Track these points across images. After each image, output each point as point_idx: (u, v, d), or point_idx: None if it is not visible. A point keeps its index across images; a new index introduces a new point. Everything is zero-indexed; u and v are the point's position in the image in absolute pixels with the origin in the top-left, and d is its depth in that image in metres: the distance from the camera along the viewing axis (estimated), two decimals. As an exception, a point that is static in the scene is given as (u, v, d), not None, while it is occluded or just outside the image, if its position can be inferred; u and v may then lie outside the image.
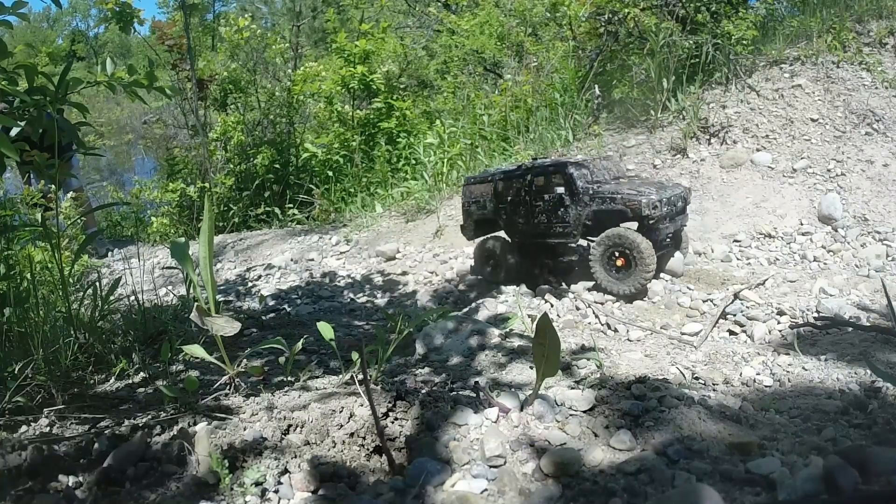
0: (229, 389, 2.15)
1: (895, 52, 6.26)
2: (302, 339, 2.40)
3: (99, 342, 2.49)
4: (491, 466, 1.61)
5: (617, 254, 3.78)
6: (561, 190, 3.79)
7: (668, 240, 4.00)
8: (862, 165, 5.48)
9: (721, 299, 3.95)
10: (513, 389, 2.08)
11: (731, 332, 3.59)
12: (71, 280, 3.10)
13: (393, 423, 1.79)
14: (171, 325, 2.91)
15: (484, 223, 4.43)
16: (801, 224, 5.20)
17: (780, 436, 1.79)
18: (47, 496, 1.55)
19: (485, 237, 4.43)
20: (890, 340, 2.93)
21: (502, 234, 4.52)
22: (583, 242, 4.31)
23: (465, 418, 1.80)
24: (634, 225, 3.89)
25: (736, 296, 3.91)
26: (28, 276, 2.74)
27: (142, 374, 2.43)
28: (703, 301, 4.02)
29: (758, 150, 5.85)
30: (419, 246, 5.86)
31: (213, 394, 2.13)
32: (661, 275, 4.44)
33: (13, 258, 2.89)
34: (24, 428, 1.89)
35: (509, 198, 4.03)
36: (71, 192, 5.47)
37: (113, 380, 2.41)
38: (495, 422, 1.80)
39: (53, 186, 2.61)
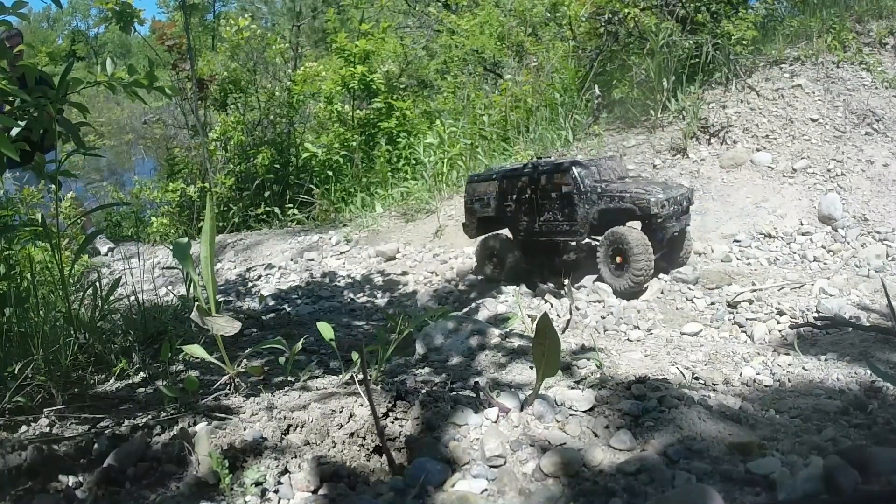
0: (229, 389, 2.16)
1: (895, 52, 6.26)
2: (302, 339, 2.40)
3: (99, 342, 2.49)
4: (491, 466, 1.61)
5: (616, 251, 3.84)
6: (569, 188, 3.80)
7: (675, 235, 4.06)
8: (862, 165, 5.48)
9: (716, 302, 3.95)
10: (513, 389, 2.08)
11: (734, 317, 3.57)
12: (71, 280, 3.10)
13: (393, 423, 1.79)
14: (171, 325, 2.91)
15: (487, 221, 4.42)
16: (801, 224, 5.20)
17: (780, 436, 1.79)
18: (47, 496, 1.55)
19: (486, 235, 4.43)
20: (890, 340, 2.93)
21: (504, 232, 4.52)
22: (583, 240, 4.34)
23: (465, 418, 1.80)
24: (637, 224, 3.93)
25: (732, 305, 3.90)
26: (28, 276, 2.74)
27: (142, 374, 2.44)
28: (708, 304, 4.03)
29: (758, 150, 5.85)
30: (419, 246, 5.86)
31: (213, 394, 2.13)
32: (662, 275, 4.45)
33: (13, 258, 2.89)
34: (24, 428, 1.89)
35: (515, 196, 4.03)
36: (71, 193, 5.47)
37: (113, 380, 2.41)
38: (495, 422, 1.80)
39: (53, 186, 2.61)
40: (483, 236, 4.54)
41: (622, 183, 3.99)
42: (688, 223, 4.31)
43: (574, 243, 4.16)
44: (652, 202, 3.74)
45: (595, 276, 4.15)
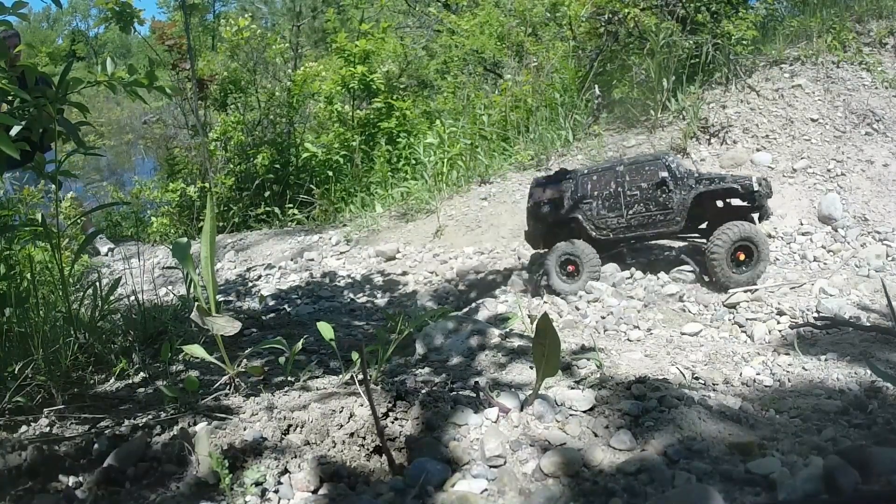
0: (229, 389, 2.16)
1: (895, 52, 6.26)
2: (302, 339, 2.40)
3: (99, 342, 2.49)
4: (491, 466, 1.61)
5: (738, 248, 3.70)
6: (665, 175, 3.64)
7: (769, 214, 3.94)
8: (862, 165, 5.47)
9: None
10: (513, 389, 2.08)
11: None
12: (71, 280, 3.09)
13: (393, 423, 1.79)
14: (171, 325, 2.91)
15: (557, 227, 4.10)
16: (801, 224, 5.19)
17: (780, 436, 1.79)
18: (47, 496, 1.55)
19: (561, 243, 4.08)
20: (890, 340, 2.93)
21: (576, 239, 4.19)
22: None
23: (465, 418, 1.80)
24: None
25: (729, 305, 3.90)
26: (28, 276, 2.74)
27: (142, 374, 2.44)
28: (707, 303, 4.03)
29: (758, 150, 5.85)
30: (419, 246, 5.86)
31: (213, 394, 2.13)
32: (662, 275, 4.46)
33: (13, 258, 2.89)
34: (24, 428, 1.89)
35: (598, 192, 3.79)
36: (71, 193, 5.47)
37: (113, 380, 2.41)
38: (495, 422, 1.80)
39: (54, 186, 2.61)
40: (555, 245, 4.15)
41: (708, 172, 3.87)
42: (771, 212, 4.22)
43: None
44: (754, 180, 3.63)
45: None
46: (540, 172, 6.50)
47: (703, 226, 3.94)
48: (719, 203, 3.89)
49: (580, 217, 3.91)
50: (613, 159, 4.05)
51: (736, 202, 3.89)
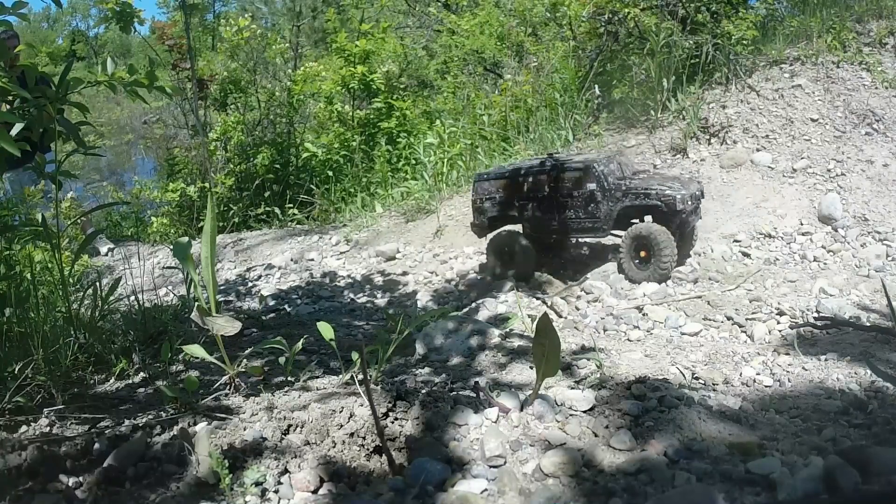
0: (229, 389, 2.16)
1: (895, 52, 6.26)
2: (302, 339, 2.40)
3: (99, 342, 2.49)
4: (491, 466, 1.61)
5: (640, 246, 3.93)
6: (592, 186, 3.85)
7: (686, 233, 4.19)
8: (862, 165, 5.47)
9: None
10: (513, 389, 2.08)
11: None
12: (71, 280, 3.09)
13: (393, 423, 1.79)
14: (171, 325, 2.90)
15: (498, 220, 4.39)
16: (801, 224, 5.19)
17: (780, 436, 1.79)
18: (47, 496, 1.56)
19: (498, 232, 4.39)
20: (890, 340, 2.93)
21: (515, 228, 4.47)
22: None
23: (465, 418, 1.80)
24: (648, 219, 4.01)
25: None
26: (28, 276, 2.74)
27: (142, 374, 2.44)
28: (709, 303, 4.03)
29: (758, 150, 5.84)
30: (419, 246, 5.86)
31: (213, 394, 2.13)
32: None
33: (13, 258, 2.89)
34: (24, 428, 1.89)
35: (532, 194, 4.02)
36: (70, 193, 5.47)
37: (113, 380, 2.41)
38: (495, 422, 1.80)
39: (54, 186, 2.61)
40: (494, 233, 4.47)
41: (643, 180, 4.07)
42: (699, 217, 4.41)
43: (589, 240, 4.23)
44: (678, 199, 3.82)
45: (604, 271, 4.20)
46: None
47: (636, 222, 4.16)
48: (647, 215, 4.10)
49: (516, 215, 4.11)
50: (549, 159, 4.14)
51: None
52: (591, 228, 4.03)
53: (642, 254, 3.93)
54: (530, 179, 4.12)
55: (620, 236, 4.16)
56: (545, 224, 4.06)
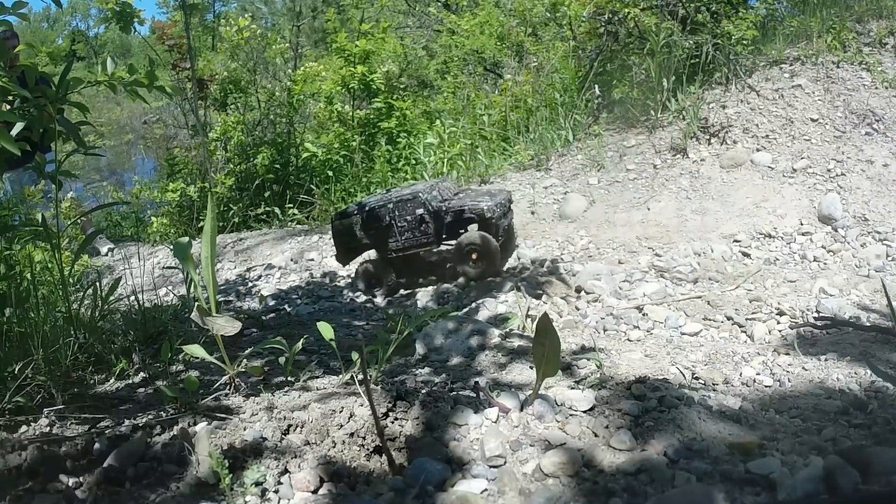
0: (229, 389, 2.16)
1: (895, 52, 6.26)
2: (302, 339, 2.40)
3: (99, 342, 2.49)
4: (491, 466, 1.61)
5: (470, 251, 4.67)
6: (421, 211, 4.76)
7: (503, 234, 5.03)
8: (862, 165, 5.47)
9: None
10: (513, 389, 2.08)
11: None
12: (71, 280, 3.10)
13: (393, 423, 1.79)
14: (171, 325, 2.91)
15: (354, 250, 5.13)
16: (801, 224, 5.19)
17: (780, 436, 1.79)
18: (47, 496, 1.56)
19: (363, 262, 5.08)
20: (890, 340, 2.93)
21: (373, 255, 5.07)
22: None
23: (465, 418, 1.80)
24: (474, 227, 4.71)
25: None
26: (28, 276, 2.74)
27: (142, 374, 2.44)
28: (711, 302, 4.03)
29: (758, 150, 5.85)
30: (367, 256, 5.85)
31: (213, 394, 2.13)
32: (662, 277, 4.46)
33: (13, 258, 2.89)
34: (24, 428, 1.89)
35: (378, 224, 4.85)
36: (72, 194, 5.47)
37: (113, 380, 2.41)
38: (495, 422, 1.80)
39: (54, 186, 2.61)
40: (358, 263, 5.15)
41: (458, 199, 4.93)
42: (511, 219, 5.31)
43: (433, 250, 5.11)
44: (485, 209, 4.63)
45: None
46: (540, 172, 6.52)
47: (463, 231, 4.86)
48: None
49: (368, 242, 4.92)
50: (385, 197, 5.04)
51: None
52: (427, 242, 4.86)
53: (474, 256, 4.66)
54: (374, 213, 4.88)
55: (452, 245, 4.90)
56: (391, 245, 4.90)
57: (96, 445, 1.72)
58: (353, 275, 5.28)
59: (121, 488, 1.61)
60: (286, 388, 2.20)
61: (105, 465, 1.65)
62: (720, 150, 5.94)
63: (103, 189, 9.03)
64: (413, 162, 7.70)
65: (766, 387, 2.57)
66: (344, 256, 5.22)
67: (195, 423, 1.84)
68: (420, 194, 4.87)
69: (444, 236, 4.90)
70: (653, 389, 2.01)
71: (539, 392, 1.91)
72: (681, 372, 2.68)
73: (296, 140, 8.71)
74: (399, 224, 4.89)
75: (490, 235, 4.69)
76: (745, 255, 4.91)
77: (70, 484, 1.62)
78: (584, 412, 1.88)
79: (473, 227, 4.76)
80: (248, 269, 5.95)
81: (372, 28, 8.82)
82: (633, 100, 6.76)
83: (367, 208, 4.96)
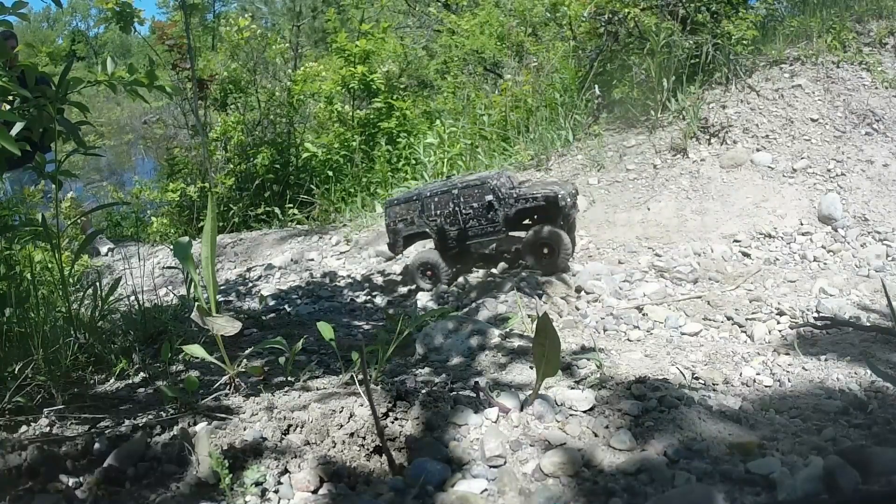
0: (229, 389, 2.16)
1: (895, 52, 6.26)
2: (302, 339, 2.41)
3: (99, 342, 2.49)
4: (491, 466, 1.61)
5: (542, 244, 4.54)
6: (490, 198, 4.58)
7: (572, 225, 4.91)
8: (862, 165, 5.47)
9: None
10: (513, 389, 2.09)
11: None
12: (71, 280, 3.09)
13: (393, 423, 1.79)
14: (171, 325, 2.91)
15: (411, 238, 4.97)
16: (801, 224, 5.19)
17: (780, 436, 1.79)
18: (47, 496, 1.56)
19: (420, 252, 4.92)
20: (890, 340, 2.93)
21: (429, 245, 4.94)
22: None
23: (465, 418, 1.80)
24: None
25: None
26: (28, 276, 2.74)
27: (142, 374, 2.44)
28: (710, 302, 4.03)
29: (758, 150, 5.85)
30: (419, 246, 5.86)
31: (213, 394, 2.13)
32: (662, 277, 4.46)
33: (13, 258, 2.89)
34: (24, 428, 1.89)
35: (440, 211, 4.68)
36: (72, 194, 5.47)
37: (113, 380, 2.41)
38: (495, 422, 1.80)
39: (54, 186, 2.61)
40: (415, 253, 5.03)
41: (528, 187, 4.77)
42: (577, 212, 5.09)
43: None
44: (559, 196, 4.44)
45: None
46: (540, 173, 6.51)
47: (527, 222, 4.77)
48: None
49: (427, 231, 4.75)
50: (450, 183, 4.84)
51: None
52: (493, 231, 4.67)
53: (544, 250, 4.52)
54: (436, 200, 4.71)
55: (520, 236, 4.74)
56: (453, 234, 4.73)
57: (96, 445, 1.71)
58: (405, 266, 5.06)
59: (121, 488, 1.61)
60: (286, 388, 2.20)
61: (105, 465, 1.65)
62: (720, 150, 5.94)
63: (103, 189, 9.04)
64: (413, 162, 7.70)
65: (766, 387, 2.57)
66: (397, 246, 5.00)
67: (195, 423, 1.84)
68: (489, 180, 4.65)
69: (514, 222, 4.65)
70: (653, 389, 2.01)
71: (539, 392, 1.91)
72: (681, 372, 2.68)
73: (296, 140, 8.71)
74: (464, 211, 4.65)
75: (560, 230, 4.50)
76: (745, 255, 4.91)
77: (70, 484, 1.62)
78: (584, 412, 1.88)
79: (541, 220, 4.54)
80: (248, 269, 5.95)
81: (372, 28, 8.82)
82: (633, 100, 6.76)
83: (427, 194, 4.74)
